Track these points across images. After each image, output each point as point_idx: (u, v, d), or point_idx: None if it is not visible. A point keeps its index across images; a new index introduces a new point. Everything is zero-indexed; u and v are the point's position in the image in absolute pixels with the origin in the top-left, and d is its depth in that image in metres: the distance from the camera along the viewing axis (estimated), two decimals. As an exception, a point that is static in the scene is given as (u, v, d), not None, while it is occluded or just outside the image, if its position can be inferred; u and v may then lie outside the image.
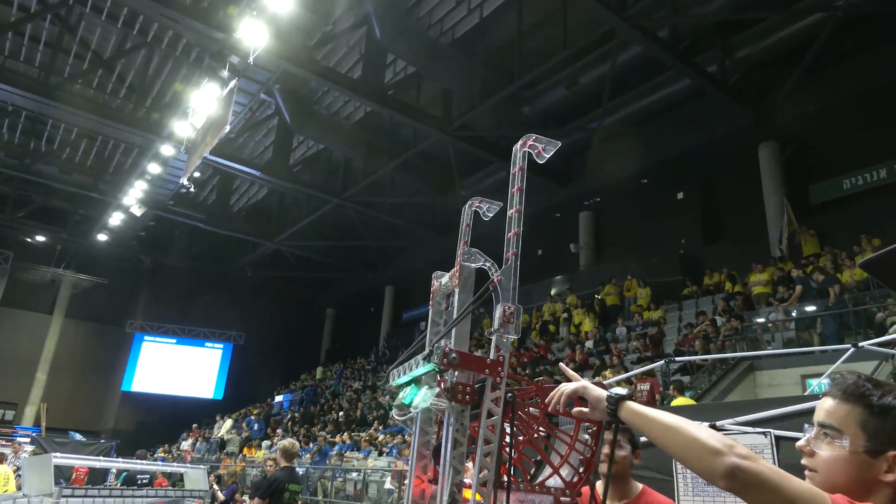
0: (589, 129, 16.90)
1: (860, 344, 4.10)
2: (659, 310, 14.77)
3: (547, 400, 1.62)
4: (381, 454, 14.12)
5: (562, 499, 1.63)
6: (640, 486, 2.58)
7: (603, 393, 1.47)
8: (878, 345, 4.73)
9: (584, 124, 17.12)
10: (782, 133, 14.83)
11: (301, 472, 11.45)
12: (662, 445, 1.26)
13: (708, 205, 17.10)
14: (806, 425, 1.24)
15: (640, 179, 17.75)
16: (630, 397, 1.43)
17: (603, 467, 2.44)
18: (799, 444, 1.24)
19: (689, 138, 15.78)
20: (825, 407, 1.21)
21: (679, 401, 8.23)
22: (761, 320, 11.82)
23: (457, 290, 1.82)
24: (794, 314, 11.27)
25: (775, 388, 9.70)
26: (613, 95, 15.58)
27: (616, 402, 1.41)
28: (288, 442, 7.21)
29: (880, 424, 1.12)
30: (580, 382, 1.56)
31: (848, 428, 1.14)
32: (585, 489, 1.72)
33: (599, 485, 2.53)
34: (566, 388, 1.56)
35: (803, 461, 1.22)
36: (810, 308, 11.07)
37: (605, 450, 2.43)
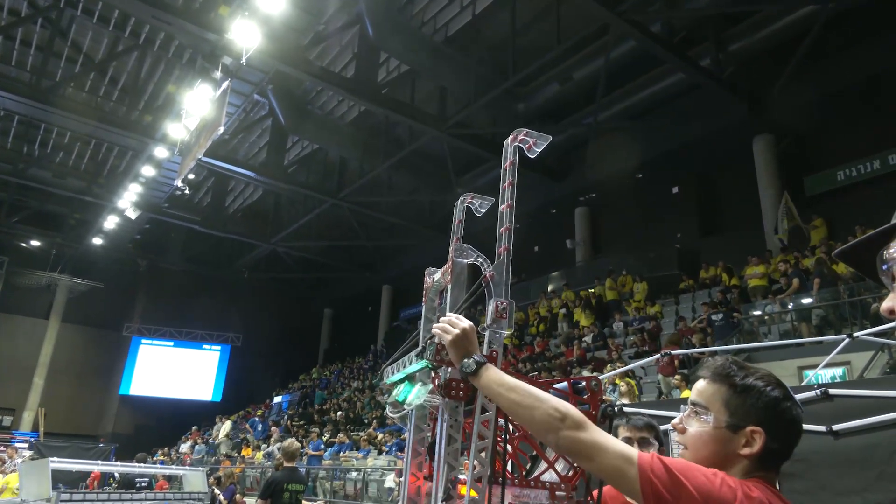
0: (584, 124, 16.91)
1: (855, 334, 4.11)
2: (656, 304, 14.80)
3: (434, 329, 1.52)
4: (380, 453, 14.12)
5: (557, 493, 1.63)
6: None
7: (462, 356, 1.43)
8: (874, 335, 4.74)
9: (579, 120, 17.13)
10: (777, 126, 14.85)
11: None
12: (514, 417, 1.39)
13: (703, 199, 17.13)
14: (682, 405, 1.34)
15: (636, 174, 17.76)
16: (482, 364, 1.40)
17: None
18: (673, 422, 1.35)
19: (683, 132, 15.79)
20: (697, 387, 1.32)
21: (686, 393, 8.28)
22: (757, 313, 11.85)
23: (449, 287, 1.81)
24: (790, 306, 11.30)
25: (773, 381, 9.71)
26: (608, 91, 15.58)
27: (468, 374, 1.41)
28: (287, 442, 7.23)
29: (741, 402, 1.23)
30: (455, 334, 1.45)
31: (713, 405, 1.26)
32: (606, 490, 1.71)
33: None
34: (444, 335, 1.47)
35: (676, 438, 1.33)
36: (806, 300, 11.10)
37: (649, 451, 2.43)
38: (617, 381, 8.92)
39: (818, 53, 13.45)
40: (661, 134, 16.23)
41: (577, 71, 16.18)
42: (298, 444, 7.32)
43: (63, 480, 10.78)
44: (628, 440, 2.43)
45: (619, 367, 9.69)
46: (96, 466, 9.32)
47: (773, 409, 1.23)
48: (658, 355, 5.94)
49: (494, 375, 1.38)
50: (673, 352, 6.39)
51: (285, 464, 6.90)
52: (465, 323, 1.49)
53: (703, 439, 1.26)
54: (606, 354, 13.11)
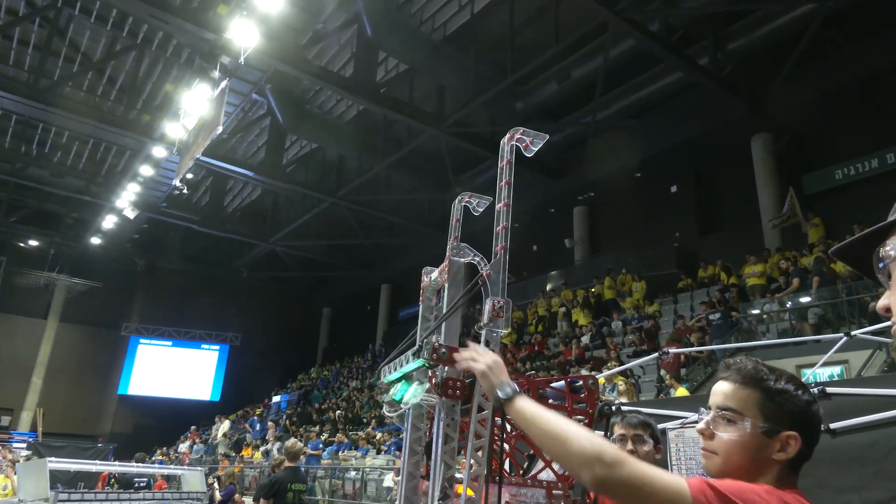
0: (582, 123, 16.92)
1: (853, 333, 4.11)
2: (654, 303, 14.80)
3: (457, 357, 1.50)
4: (379, 452, 14.12)
5: (554, 492, 1.63)
6: None
7: (495, 386, 1.39)
8: (871, 334, 4.74)
9: (577, 119, 17.14)
10: (775, 124, 14.86)
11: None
12: (544, 450, 1.31)
13: (702, 197, 17.12)
14: (702, 409, 1.31)
15: (635, 173, 17.76)
16: (517, 394, 1.37)
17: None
18: (699, 427, 1.30)
19: (682, 131, 15.80)
20: (724, 391, 1.27)
21: (681, 391, 8.30)
22: (756, 312, 11.86)
23: (446, 286, 1.81)
24: (788, 305, 11.31)
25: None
26: (606, 89, 15.59)
27: (503, 401, 1.37)
28: (290, 442, 7.24)
29: (776, 407, 1.21)
30: (485, 363, 1.43)
31: (748, 411, 1.22)
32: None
33: None
34: (474, 364, 1.44)
35: (702, 444, 1.29)
36: (804, 299, 11.11)
37: (629, 446, 2.42)
38: (615, 380, 8.93)
39: (816, 52, 13.46)
40: (659, 133, 16.24)
41: (575, 69, 16.18)
42: (301, 444, 7.31)
43: (61, 480, 10.77)
44: (623, 437, 2.44)
45: (617, 367, 9.70)
46: (94, 466, 9.30)
47: (806, 413, 1.22)
48: (656, 354, 5.94)
49: (528, 405, 1.35)
50: (671, 350, 6.39)
51: (287, 463, 6.89)
52: (493, 354, 1.48)
53: (736, 445, 1.22)
54: (605, 353, 13.11)
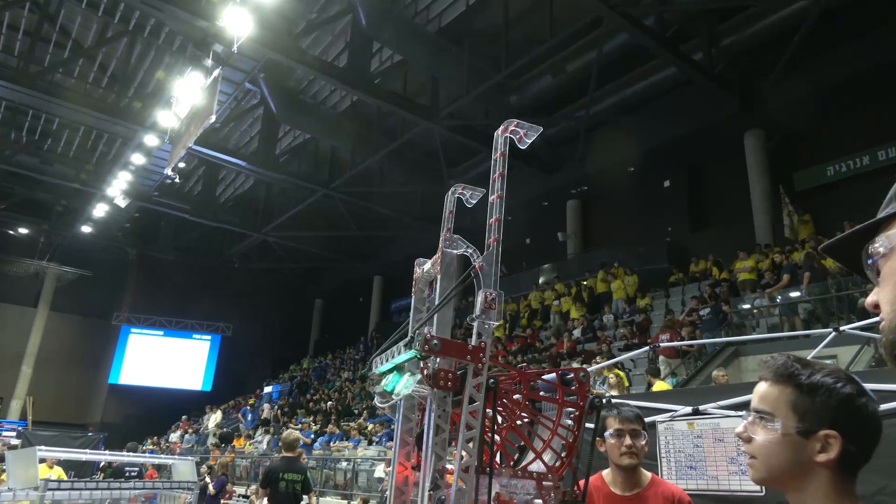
0: (576, 117, 16.92)
1: (842, 328, 4.15)
2: (646, 297, 14.88)
3: None
4: (370, 443, 14.16)
5: (544, 483, 1.64)
6: (649, 474, 2.56)
7: None
8: (860, 329, 4.79)
9: (571, 113, 17.14)
10: (768, 121, 14.92)
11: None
12: None
13: (694, 193, 17.19)
14: (744, 412, 1.23)
15: (628, 168, 17.79)
16: None
17: (624, 459, 2.44)
18: (737, 430, 1.23)
19: (675, 127, 15.84)
20: (759, 391, 1.20)
21: (659, 385, 8.36)
22: (746, 306, 11.94)
23: (439, 277, 1.81)
24: (778, 300, 11.39)
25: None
26: (600, 84, 15.58)
27: None
28: (287, 433, 7.28)
29: (809, 404, 1.11)
30: None
31: (779, 410, 1.14)
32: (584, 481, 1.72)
33: (606, 472, 2.54)
34: None
35: (743, 448, 1.21)
36: (794, 294, 11.19)
37: (627, 441, 2.42)
38: (606, 373, 8.98)
39: (810, 49, 13.50)
40: (653, 128, 16.27)
41: (570, 64, 16.16)
42: (297, 434, 7.32)
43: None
44: (620, 432, 2.44)
45: (606, 360, 9.76)
46: (84, 455, 9.29)
47: (847, 408, 1.10)
48: (647, 347, 5.98)
49: None
50: (662, 344, 6.43)
51: (284, 454, 6.92)
52: None
53: (772, 449, 1.13)
54: (596, 346, 13.17)
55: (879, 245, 0.79)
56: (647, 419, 3.25)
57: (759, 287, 11.94)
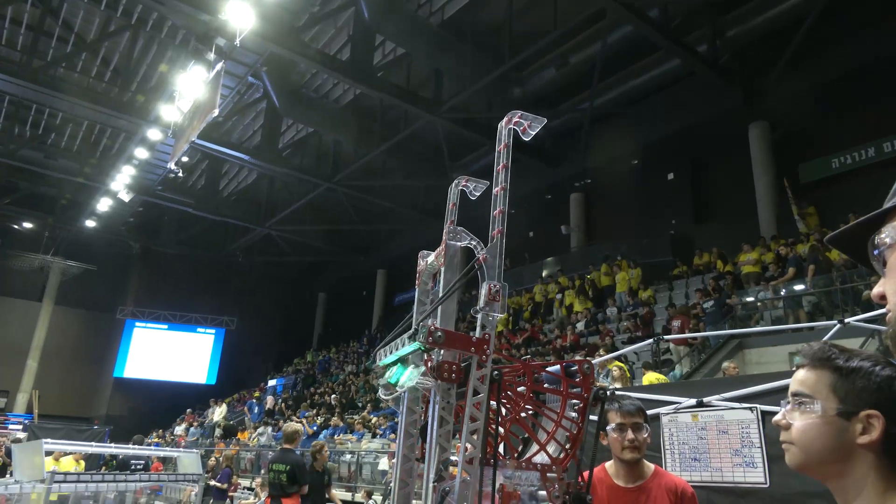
0: (580, 110, 16.86)
1: (847, 320, 4.14)
2: (649, 290, 14.85)
3: None
4: (374, 436, 14.20)
5: (548, 474, 1.64)
6: (652, 466, 2.57)
7: None
8: (865, 321, 4.78)
9: (575, 105, 17.07)
10: (772, 113, 14.83)
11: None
12: None
13: (698, 185, 17.14)
14: (782, 401, 1.22)
15: (631, 161, 17.73)
16: None
17: (626, 453, 2.44)
18: (776, 418, 1.21)
19: (679, 119, 15.77)
20: (797, 378, 1.19)
21: (649, 377, 8.38)
22: (750, 299, 11.91)
23: (443, 269, 1.81)
24: (782, 292, 11.36)
25: (763, 366, 9.80)
26: (604, 76, 15.52)
27: None
28: (287, 425, 7.35)
29: (850, 386, 1.10)
30: None
31: (819, 393, 1.12)
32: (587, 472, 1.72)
33: (609, 464, 2.55)
34: None
35: (781, 436, 1.19)
36: (798, 287, 11.16)
37: (630, 434, 2.43)
38: (609, 366, 8.98)
39: (815, 41, 13.41)
40: (656, 120, 16.21)
41: (573, 56, 16.09)
42: (296, 426, 7.37)
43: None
44: (622, 426, 2.44)
45: (610, 353, 9.75)
46: (90, 448, 9.35)
47: (889, 389, 1.07)
48: (650, 340, 5.98)
49: None
50: (666, 337, 6.43)
51: (284, 445, 7.01)
52: None
53: (812, 432, 1.11)
54: (599, 339, 13.17)
55: (886, 236, 0.78)
56: (651, 411, 3.26)
57: (764, 280, 11.90)
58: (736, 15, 14.11)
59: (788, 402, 1.18)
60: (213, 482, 10.64)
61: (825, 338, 4.44)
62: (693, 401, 3.06)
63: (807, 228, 13.34)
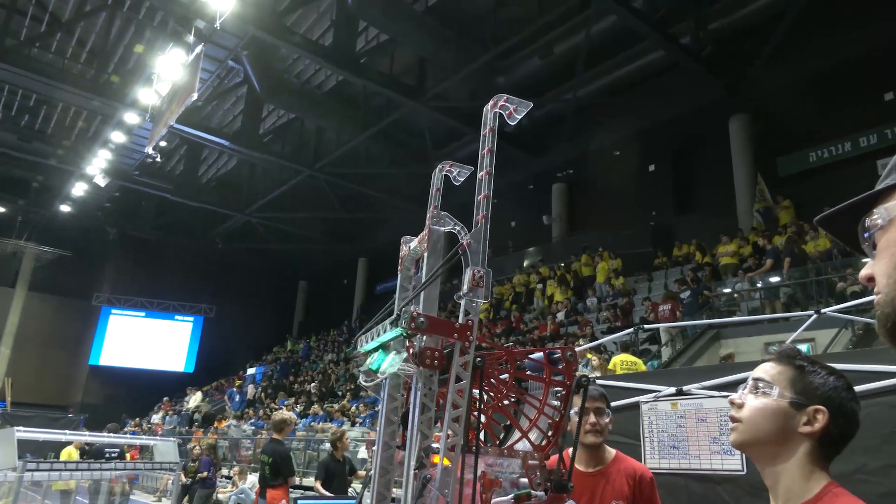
0: (563, 100, 16.85)
1: (823, 311, 4.20)
2: (621, 278, 14.95)
3: None
4: (353, 424, 14.20)
5: (530, 462, 1.63)
6: (613, 451, 2.60)
7: None
8: (839, 312, 4.86)
9: (558, 95, 17.05)
10: (753, 106, 14.97)
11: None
12: None
13: (679, 177, 17.27)
14: (740, 386, 1.35)
15: (613, 151, 17.80)
16: None
17: (588, 437, 2.46)
18: (732, 396, 1.34)
19: (661, 111, 15.84)
20: (762, 367, 1.33)
21: (616, 359, 8.52)
22: (727, 290, 12.07)
23: (426, 255, 1.78)
24: (759, 284, 11.53)
25: (740, 356, 9.95)
26: (588, 66, 15.51)
27: None
28: (274, 414, 7.31)
29: (807, 384, 1.24)
30: None
31: (779, 383, 1.26)
32: (555, 456, 1.72)
33: (572, 449, 2.55)
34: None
35: (731, 413, 1.32)
36: (774, 278, 11.33)
37: (591, 418, 2.45)
38: (589, 356, 9.05)
39: (797, 35, 13.52)
40: (639, 111, 16.26)
41: (557, 45, 16.05)
42: (283, 416, 7.17)
43: (30, 450, 10.64)
44: (585, 410, 2.47)
45: (589, 343, 9.82)
46: (63, 436, 9.21)
47: (837, 396, 1.23)
48: (631, 329, 6.03)
49: None
50: (646, 326, 6.50)
51: (273, 435, 6.94)
52: None
53: (764, 413, 1.25)
54: (579, 329, 13.26)
55: (877, 217, 0.77)
56: (631, 399, 3.28)
57: (742, 270, 12.06)
58: (719, 7, 14.18)
59: (747, 385, 1.32)
60: (199, 475, 10.58)
61: (802, 327, 4.51)
62: (673, 389, 3.08)
63: (759, 226, 13.60)
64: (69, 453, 10.20)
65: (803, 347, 8.61)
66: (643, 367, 8.71)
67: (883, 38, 12.68)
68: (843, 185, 12.92)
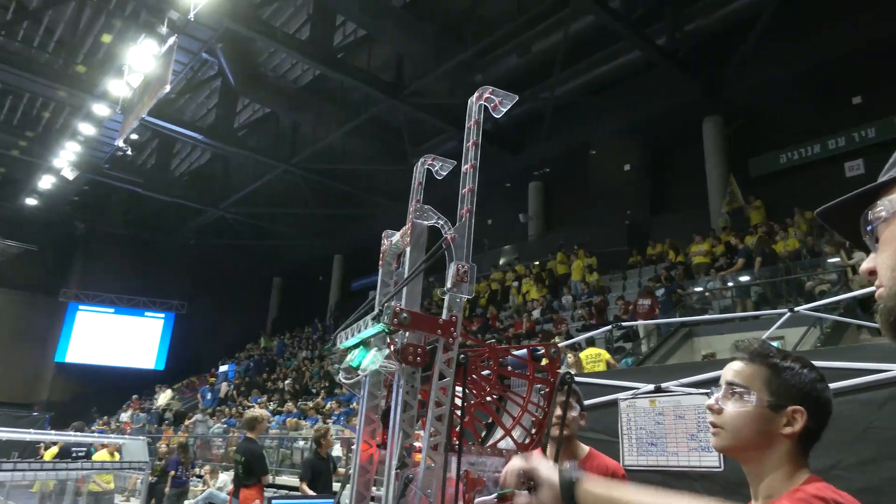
0: (541, 98, 16.90)
1: (796, 309, 4.26)
2: (593, 274, 15.07)
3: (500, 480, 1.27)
4: (325, 422, 14.07)
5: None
6: (586, 448, 2.60)
7: (553, 475, 1.15)
8: (811, 310, 4.94)
9: (536, 94, 17.10)
10: (727, 107, 15.19)
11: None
12: None
13: (655, 176, 17.46)
14: (713, 388, 1.35)
15: (590, 150, 17.91)
16: (580, 479, 1.14)
17: (555, 430, 2.45)
18: (708, 402, 1.34)
19: (638, 110, 15.98)
20: (733, 368, 1.32)
21: (587, 351, 8.60)
22: (699, 289, 12.25)
23: (408, 249, 1.74)
24: (730, 283, 11.73)
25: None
26: (566, 65, 15.58)
27: (570, 487, 1.12)
28: (246, 411, 7.22)
29: (782, 383, 1.25)
30: (530, 461, 1.22)
31: (753, 385, 1.27)
32: (536, 451, 1.70)
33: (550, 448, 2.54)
34: (513, 465, 1.23)
35: (710, 419, 1.32)
36: (745, 278, 11.53)
37: (557, 412, 2.45)
38: (564, 353, 9.10)
39: (770, 38, 13.75)
40: (616, 111, 16.39)
41: (536, 44, 16.10)
42: (254, 414, 7.03)
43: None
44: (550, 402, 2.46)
45: (565, 341, 9.88)
46: (28, 435, 8.95)
47: (813, 390, 1.25)
48: (609, 327, 6.07)
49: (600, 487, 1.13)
50: (623, 324, 6.55)
51: (246, 434, 6.83)
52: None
53: (744, 419, 1.26)
54: (554, 327, 13.33)
55: (881, 209, 0.76)
56: (609, 397, 3.28)
57: (714, 269, 12.25)
58: (696, 8, 14.34)
59: (720, 389, 1.32)
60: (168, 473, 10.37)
61: (775, 325, 4.57)
62: (651, 386, 3.09)
63: (729, 224, 13.84)
64: (53, 454, 9.87)
65: (773, 345, 8.78)
66: (607, 356, 8.83)
67: (851, 43, 12.97)
68: (812, 187, 13.25)
